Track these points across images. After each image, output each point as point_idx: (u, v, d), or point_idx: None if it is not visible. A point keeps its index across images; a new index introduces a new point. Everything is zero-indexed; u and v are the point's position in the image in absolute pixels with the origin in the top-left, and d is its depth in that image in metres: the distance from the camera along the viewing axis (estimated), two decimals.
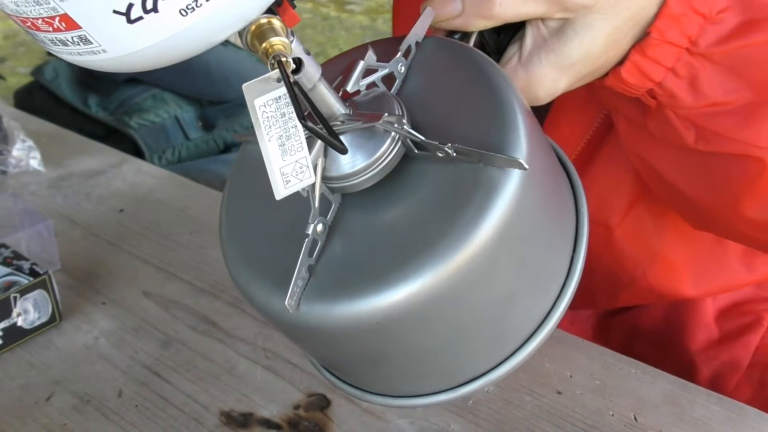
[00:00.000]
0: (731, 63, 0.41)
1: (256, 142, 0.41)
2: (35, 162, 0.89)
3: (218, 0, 0.26)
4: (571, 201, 0.39)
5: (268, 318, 0.37)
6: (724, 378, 0.64)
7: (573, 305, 0.68)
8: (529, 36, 0.42)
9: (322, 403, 0.55)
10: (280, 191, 0.32)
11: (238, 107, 1.85)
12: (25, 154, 0.89)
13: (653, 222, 0.58)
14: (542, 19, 0.41)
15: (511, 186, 0.33)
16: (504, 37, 0.44)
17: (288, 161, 0.31)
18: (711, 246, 0.59)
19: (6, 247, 0.65)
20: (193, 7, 0.26)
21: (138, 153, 1.69)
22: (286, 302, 0.34)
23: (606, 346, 0.59)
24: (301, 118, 0.30)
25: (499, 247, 0.33)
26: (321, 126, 0.31)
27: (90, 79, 1.84)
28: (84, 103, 1.79)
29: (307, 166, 0.32)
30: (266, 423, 0.54)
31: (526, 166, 0.32)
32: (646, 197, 0.57)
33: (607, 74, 0.43)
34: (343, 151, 0.33)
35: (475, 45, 0.42)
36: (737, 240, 0.55)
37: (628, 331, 0.68)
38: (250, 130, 0.41)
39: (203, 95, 1.86)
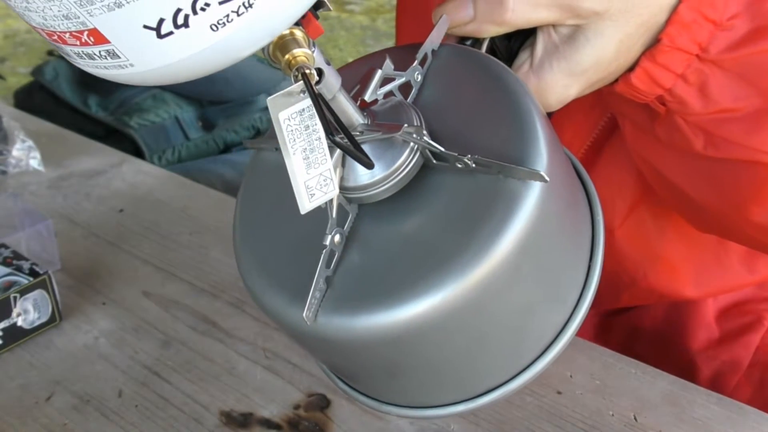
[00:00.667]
0: (741, 70, 0.41)
1: (267, 149, 0.41)
2: (35, 162, 0.89)
3: (249, 15, 0.26)
4: (587, 209, 0.39)
5: (285, 328, 0.37)
6: (725, 377, 0.64)
7: None
8: (540, 42, 0.42)
9: (322, 403, 0.55)
10: (305, 205, 0.31)
11: (238, 107, 1.85)
12: (25, 154, 0.89)
13: (655, 224, 0.58)
14: (553, 26, 0.41)
15: (531, 198, 0.32)
16: (514, 43, 0.43)
17: (312, 174, 0.31)
18: (712, 247, 0.59)
19: (6, 247, 0.65)
20: (224, 23, 0.26)
21: (138, 153, 1.69)
22: (303, 314, 0.33)
23: (607, 346, 0.59)
24: (329, 132, 0.29)
25: (520, 258, 0.33)
26: (346, 139, 0.31)
27: (90, 79, 1.84)
28: (84, 103, 1.79)
29: (331, 179, 0.32)
30: (266, 423, 0.54)
31: (547, 178, 0.32)
32: (648, 199, 0.57)
33: (617, 80, 0.43)
34: (369, 165, 0.32)
35: (486, 51, 0.42)
36: (743, 243, 0.55)
37: (628, 330, 0.68)
38: (265, 135, 0.41)
39: (203, 95, 1.85)
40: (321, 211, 0.34)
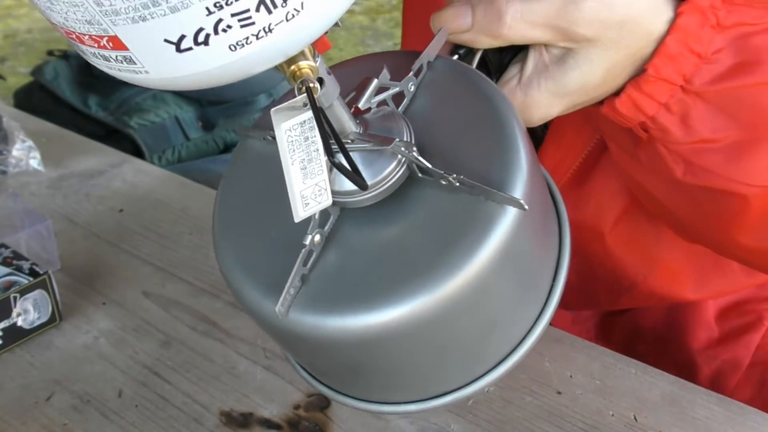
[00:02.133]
0: (723, 102, 0.42)
1: (258, 138, 0.41)
2: (35, 162, 0.89)
3: (268, 39, 0.27)
4: (557, 231, 0.40)
5: (257, 320, 0.38)
6: (725, 377, 0.64)
7: (575, 306, 0.67)
8: (531, 60, 0.43)
9: (322, 403, 0.55)
10: (300, 213, 0.32)
11: (238, 107, 1.84)
12: (25, 154, 0.89)
13: (651, 228, 0.59)
14: (546, 45, 0.42)
15: (507, 222, 0.34)
16: (506, 56, 0.44)
17: (308, 184, 0.32)
18: (711, 251, 0.59)
19: (6, 247, 0.65)
20: (243, 44, 0.27)
21: (138, 153, 1.68)
22: (276, 308, 0.34)
23: (608, 345, 0.59)
24: (330, 154, 0.30)
25: (490, 279, 0.34)
26: (345, 159, 0.31)
27: (90, 79, 1.84)
28: (84, 103, 1.79)
29: (326, 189, 0.33)
30: (266, 423, 0.54)
31: (526, 207, 0.33)
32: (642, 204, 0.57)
33: (602, 102, 0.44)
34: (364, 187, 0.33)
35: (478, 61, 0.43)
36: (731, 258, 0.56)
37: (629, 330, 0.68)
38: (254, 123, 0.42)
39: (203, 95, 1.85)
40: None
